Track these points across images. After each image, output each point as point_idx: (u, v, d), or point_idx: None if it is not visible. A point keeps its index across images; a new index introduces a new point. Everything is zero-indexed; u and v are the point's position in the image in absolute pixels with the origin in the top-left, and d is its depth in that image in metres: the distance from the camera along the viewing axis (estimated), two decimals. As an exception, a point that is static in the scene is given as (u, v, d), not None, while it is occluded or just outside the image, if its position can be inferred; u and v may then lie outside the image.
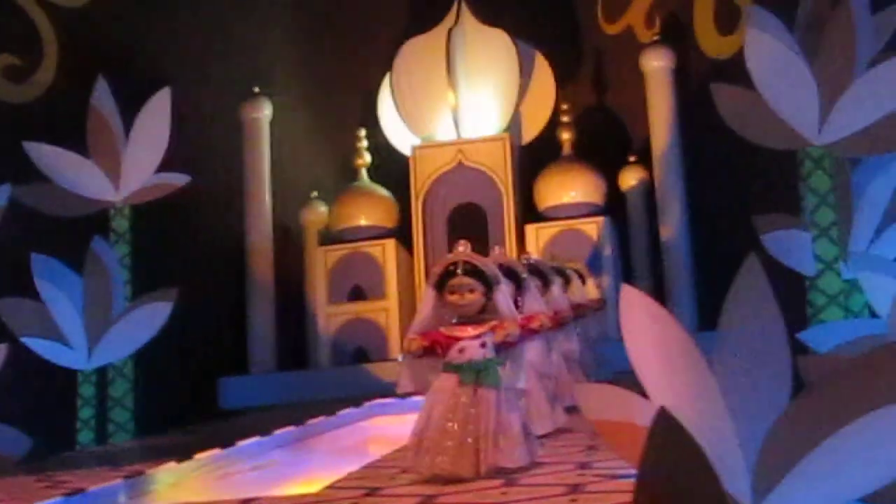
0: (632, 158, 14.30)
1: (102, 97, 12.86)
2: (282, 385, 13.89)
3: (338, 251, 14.42)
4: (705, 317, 13.02)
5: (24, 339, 12.13)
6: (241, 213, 14.61)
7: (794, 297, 10.81)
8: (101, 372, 12.50)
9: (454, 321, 7.17)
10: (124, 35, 14.41)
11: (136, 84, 13.36)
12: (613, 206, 14.14)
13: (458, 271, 7.17)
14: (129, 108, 12.88)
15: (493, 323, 7.17)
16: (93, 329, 12.31)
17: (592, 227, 13.62)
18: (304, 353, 14.50)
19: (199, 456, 9.92)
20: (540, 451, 7.28)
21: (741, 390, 6.06)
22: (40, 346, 12.06)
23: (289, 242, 15.05)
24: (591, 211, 13.89)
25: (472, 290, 7.15)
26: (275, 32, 15.17)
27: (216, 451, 10.19)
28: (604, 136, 14.84)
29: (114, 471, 9.43)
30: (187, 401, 13.57)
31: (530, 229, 14.01)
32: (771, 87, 10.52)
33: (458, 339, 7.15)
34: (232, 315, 14.60)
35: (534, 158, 14.71)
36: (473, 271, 7.19)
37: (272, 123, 14.92)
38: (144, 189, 12.79)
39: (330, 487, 7.52)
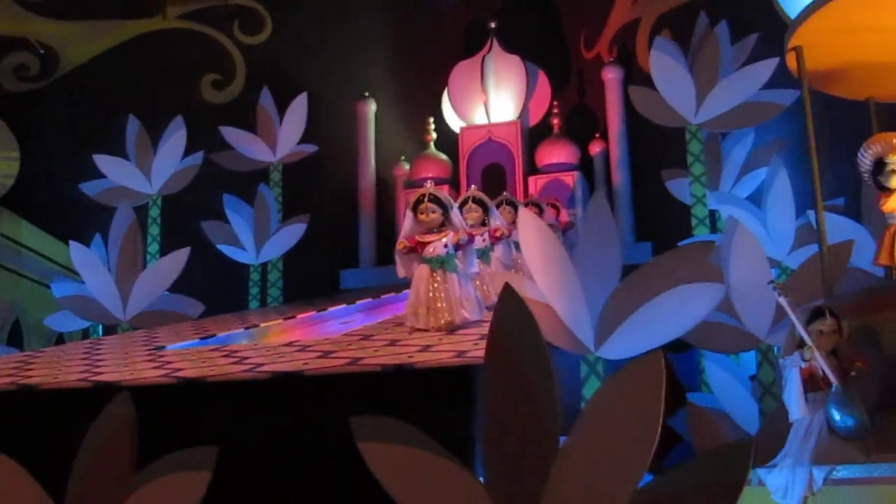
0: (597, 134, 14.60)
1: (266, 100, 13.78)
2: (378, 275, 13.77)
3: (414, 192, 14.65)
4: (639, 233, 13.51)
5: (218, 246, 13.20)
6: (354, 171, 15.10)
7: (682, 220, 11.57)
8: (264, 266, 13.44)
9: (425, 231, 7.99)
10: (284, 60, 15.17)
11: (289, 90, 14.20)
12: (585, 165, 14.51)
13: (426, 200, 7.99)
14: (284, 104, 13.76)
15: (449, 232, 7.95)
16: (259, 238, 13.22)
17: (570, 178, 14.06)
18: (391, 256, 14.51)
19: (301, 315, 10.49)
20: (486, 313, 7.47)
21: (589, 275, 6.97)
22: (227, 250, 13.13)
23: (385, 188, 15.36)
24: (569, 168, 14.35)
25: (433, 211, 7.95)
26: (376, 55, 15.65)
27: (313, 312, 10.70)
28: (580, 121, 15.03)
29: (244, 323, 10.03)
30: (319, 285, 13.83)
31: (531, 180, 14.43)
32: (665, 87, 11.24)
33: (427, 242, 7.97)
34: (348, 231, 14.81)
35: (535, 135, 15.07)
36: (435, 199, 8.00)
37: (376, 114, 15.54)
38: (291, 153, 13.63)
39: (346, 334, 8.16)
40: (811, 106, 8.19)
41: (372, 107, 15.47)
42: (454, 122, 15.38)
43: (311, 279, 13.93)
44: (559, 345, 7.00)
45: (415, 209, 7.97)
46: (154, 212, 13.54)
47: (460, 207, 8.07)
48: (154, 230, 13.46)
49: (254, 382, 6.48)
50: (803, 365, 5.75)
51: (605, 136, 14.36)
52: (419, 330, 7.57)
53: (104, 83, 14.94)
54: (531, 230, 6.88)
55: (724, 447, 4.95)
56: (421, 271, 7.79)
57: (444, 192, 8.11)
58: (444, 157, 15.14)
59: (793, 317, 5.61)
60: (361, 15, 15.83)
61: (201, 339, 9.30)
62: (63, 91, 14.98)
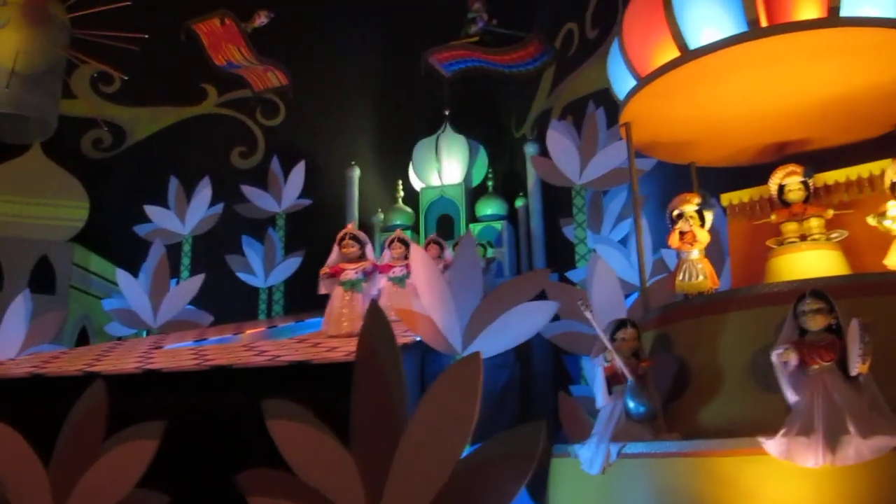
0: (521, 193, 14.24)
1: (275, 165, 13.65)
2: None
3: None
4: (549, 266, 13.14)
5: (237, 273, 12.98)
6: (342, 219, 14.54)
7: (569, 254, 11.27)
8: (270, 288, 13.21)
9: (347, 261, 7.80)
10: (292, 137, 15.08)
11: (295, 158, 14.06)
12: (512, 215, 14.29)
13: (347, 237, 7.84)
14: (290, 169, 13.61)
15: (362, 262, 7.81)
16: (267, 268, 12.99)
17: (499, 225, 13.82)
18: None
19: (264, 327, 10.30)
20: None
21: (459, 294, 6.68)
22: (244, 276, 12.89)
23: (366, 232, 14.25)
24: (499, 217, 14.08)
25: (352, 246, 7.80)
26: (361, 133, 15.73)
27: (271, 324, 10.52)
28: (509, 183, 14.83)
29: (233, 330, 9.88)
30: (312, 303, 13.38)
31: (471, 226, 14.05)
32: (557, 156, 10.97)
33: (343, 269, 7.80)
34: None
35: (476, 193, 14.86)
36: (354, 237, 7.85)
37: (360, 177, 15.33)
38: (292, 205, 13.43)
39: (294, 339, 8.02)
40: (671, 167, 8.35)
41: (356, 172, 15.23)
42: (417, 183, 15.15)
43: (306, 299, 13.34)
44: (436, 347, 6.73)
45: (340, 243, 7.89)
46: (186, 247, 13.32)
47: (340, 241, 7.94)
48: (185, 261, 13.22)
49: (196, 373, 6.39)
50: (606, 364, 5.42)
51: (526, 194, 13.99)
52: (333, 336, 7.47)
53: (160, 153, 14.85)
54: (419, 261, 6.62)
55: (523, 426, 4.65)
56: (336, 291, 7.76)
57: (361, 232, 8.04)
58: (409, 209, 14.94)
59: (596, 327, 5.26)
60: (351, 105, 15.81)
61: (195, 340, 9.08)
62: (129, 159, 14.89)
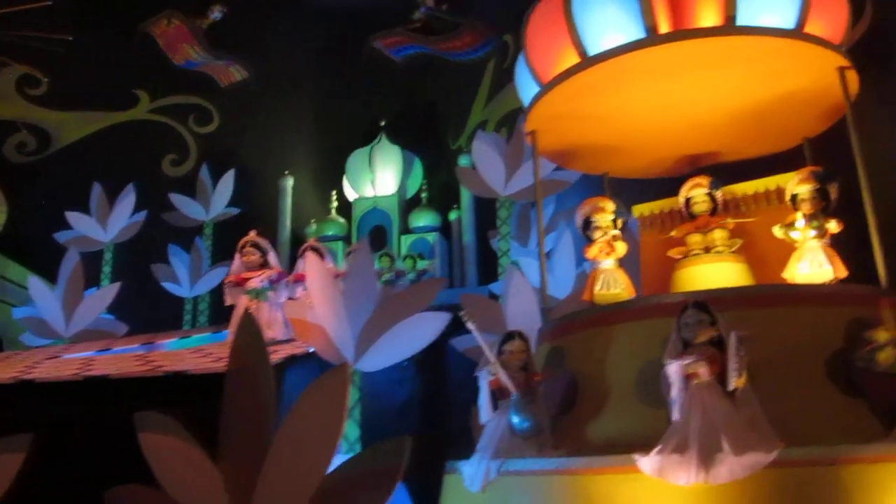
0: (455, 205, 14.03)
1: (204, 173, 13.27)
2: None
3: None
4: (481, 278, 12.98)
5: (162, 283, 12.56)
6: (275, 229, 14.34)
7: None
8: (195, 298, 12.81)
9: (249, 269, 7.51)
10: (226, 145, 14.69)
11: (228, 167, 13.69)
12: (446, 227, 14.05)
13: (248, 245, 7.56)
14: (218, 176, 13.23)
15: (267, 270, 7.52)
16: (192, 277, 12.60)
17: (431, 237, 13.58)
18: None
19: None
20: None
21: (353, 303, 6.42)
22: (170, 286, 12.47)
23: (299, 243, 13.84)
24: (431, 229, 13.87)
25: (253, 254, 7.52)
26: (296, 143, 15.36)
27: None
28: (444, 195, 14.46)
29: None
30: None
31: (403, 238, 13.90)
32: (483, 167, 10.79)
33: (248, 278, 7.52)
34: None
35: (411, 204, 14.56)
36: (255, 244, 7.57)
37: (293, 187, 15.02)
38: (219, 215, 13.08)
39: (191, 349, 7.73)
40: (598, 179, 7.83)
41: (290, 181, 14.92)
42: (351, 194, 14.87)
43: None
44: (328, 359, 6.47)
45: (240, 251, 7.62)
46: (108, 255, 12.87)
47: (241, 248, 7.64)
48: (106, 269, 12.77)
49: (74, 383, 6.04)
50: (491, 377, 5.16)
51: (460, 206, 13.80)
52: None
53: (88, 159, 14.39)
54: (314, 270, 6.34)
55: (389, 441, 4.38)
56: (241, 300, 7.46)
57: (263, 240, 7.75)
58: (342, 220, 14.68)
59: (479, 339, 5.03)
60: (287, 114, 15.49)
61: (98, 350, 8.70)
62: (54, 164, 14.39)
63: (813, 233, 5.87)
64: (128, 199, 12.89)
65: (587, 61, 6.02)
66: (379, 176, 14.37)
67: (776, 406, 4.63)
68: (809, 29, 5.85)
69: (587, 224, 6.45)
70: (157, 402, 5.28)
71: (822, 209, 6.04)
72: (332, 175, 15.11)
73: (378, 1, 14.95)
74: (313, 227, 14.59)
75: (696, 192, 6.74)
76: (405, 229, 14.15)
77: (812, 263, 5.87)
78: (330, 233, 14.24)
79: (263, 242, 7.73)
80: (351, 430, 6.35)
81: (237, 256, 7.69)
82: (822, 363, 4.90)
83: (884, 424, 4.66)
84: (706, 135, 7.12)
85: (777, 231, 6.04)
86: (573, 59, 6.15)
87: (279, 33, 15.54)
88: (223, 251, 13.50)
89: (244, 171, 14.17)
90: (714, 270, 6.37)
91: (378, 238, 14.12)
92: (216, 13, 15.37)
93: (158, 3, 15.01)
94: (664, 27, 5.81)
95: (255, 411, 4.85)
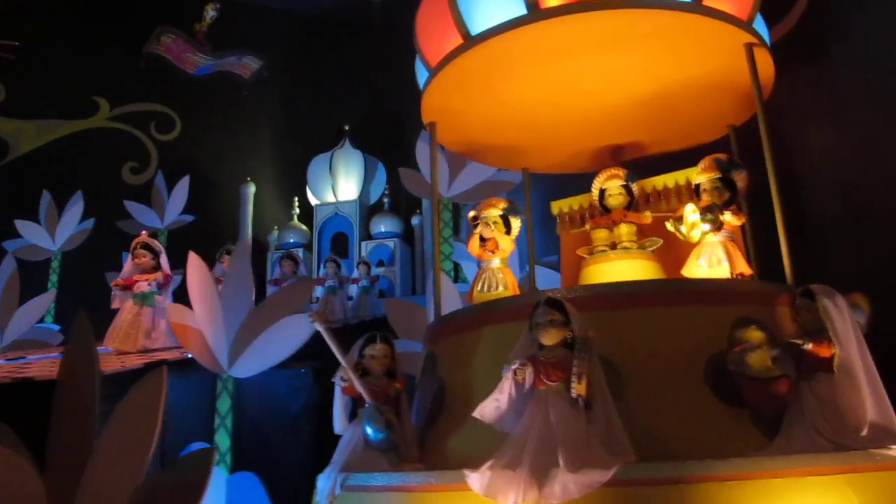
0: (418, 210, 13.60)
1: (159, 181, 12.94)
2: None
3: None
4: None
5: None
6: (235, 236, 14.02)
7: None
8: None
9: (140, 272, 7.09)
10: (185, 151, 14.39)
11: (185, 174, 13.35)
12: (408, 233, 13.67)
13: (139, 246, 7.14)
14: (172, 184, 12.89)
15: (156, 273, 7.08)
16: None
17: (391, 243, 13.24)
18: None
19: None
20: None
21: (230, 306, 5.97)
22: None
23: (261, 250, 14.33)
24: (392, 235, 13.50)
25: (144, 256, 7.08)
26: (258, 149, 15.06)
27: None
28: (408, 200, 14.06)
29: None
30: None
31: (363, 244, 13.48)
32: (425, 168, 10.34)
33: (136, 281, 7.09)
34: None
35: (371, 209, 14.15)
36: (145, 246, 7.14)
37: (255, 194, 14.68)
38: (174, 222, 12.74)
39: None
40: (550, 181, 7.81)
41: (252, 188, 14.55)
42: (313, 199, 14.48)
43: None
44: (206, 365, 6.00)
45: (132, 253, 7.21)
46: (55, 264, 12.51)
47: (133, 251, 7.24)
48: (54, 278, 12.41)
49: None
50: (343, 384, 4.67)
51: (422, 212, 13.36)
52: (122, 353, 6.72)
53: (46, 167, 14.05)
54: (194, 270, 5.91)
55: (195, 453, 3.93)
56: (126, 304, 7.03)
57: (155, 241, 7.34)
58: (304, 227, 14.32)
59: (330, 343, 4.52)
60: (248, 119, 15.15)
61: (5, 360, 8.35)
62: (10, 173, 14.02)
63: (706, 226, 5.29)
64: (76, 207, 12.56)
65: (469, 41, 5.51)
66: (341, 182, 13.91)
67: (650, 416, 4.17)
68: (710, 2, 5.31)
69: (471, 218, 5.98)
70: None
71: (729, 200, 5.49)
72: (296, 181, 14.71)
73: (340, 5, 14.58)
74: (275, 233, 14.25)
75: (611, 183, 6.23)
76: (366, 235, 13.60)
77: (710, 259, 5.32)
78: (291, 240, 13.85)
79: (155, 244, 7.32)
80: (222, 440, 5.87)
81: (129, 259, 7.26)
82: (704, 368, 4.33)
83: (766, 435, 4.12)
84: (623, 125, 6.62)
85: (669, 226, 5.50)
86: (458, 41, 5.65)
87: (243, 39, 15.20)
88: (179, 260, 13.10)
89: (206, 178, 13.81)
90: (620, 268, 5.85)
91: (340, 245, 13.73)
92: (211, 12, 15.18)
93: (125, 7, 14.68)
94: (551, 1, 5.30)
95: (80, 419, 4.48)
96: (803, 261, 6.46)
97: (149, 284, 7.08)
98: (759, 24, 5.86)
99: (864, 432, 3.81)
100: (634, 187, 6.26)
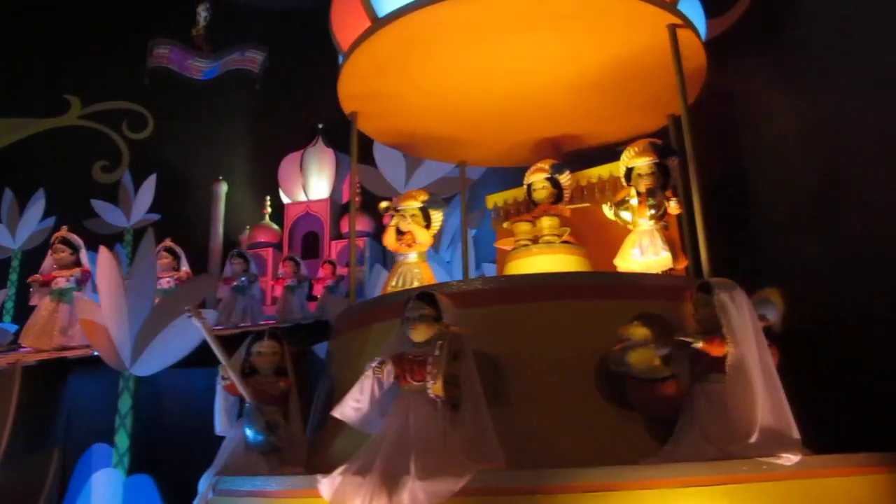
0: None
1: (126, 179, 12.71)
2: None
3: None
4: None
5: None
6: (207, 235, 13.83)
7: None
8: None
9: (60, 268, 6.86)
10: (156, 150, 14.16)
11: (159, 173, 13.13)
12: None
13: (57, 241, 6.90)
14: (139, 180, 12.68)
15: (75, 269, 6.85)
16: None
17: (362, 242, 12.87)
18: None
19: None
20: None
21: (135, 302, 5.69)
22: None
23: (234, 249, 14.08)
24: (362, 234, 13.06)
25: (63, 251, 6.85)
26: (231, 148, 14.82)
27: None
28: (369, 196, 13.67)
29: None
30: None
31: (334, 244, 13.24)
32: (383, 166, 10.11)
33: (55, 277, 6.84)
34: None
35: (343, 208, 13.84)
36: (65, 241, 6.89)
37: (228, 193, 14.46)
38: (140, 221, 12.52)
39: None
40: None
41: (223, 187, 14.32)
42: (285, 198, 14.19)
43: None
44: (109, 363, 5.72)
45: (51, 248, 6.98)
46: (15, 262, 12.29)
47: (52, 246, 7.00)
48: (13, 277, 12.17)
49: None
50: (224, 382, 4.37)
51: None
52: (39, 350, 6.46)
53: (15, 166, 13.76)
54: (103, 264, 5.65)
55: (35, 455, 3.67)
56: (44, 300, 6.77)
57: (74, 236, 7.09)
58: (275, 226, 13.98)
59: (209, 339, 4.23)
60: (222, 118, 14.88)
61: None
62: (-20, 171, 13.79)
63: (651, 212, 4.98)
64: (37, 205, 12.30)
65: (377, 23, 5.22)
66: (312, 180, 13.64)
67: (534, 419, 3.89)
68: (628, -20, 4.99)
69: (383, 209, 5.82)
70: None
71: (665, 186, 5.19)
72: (268, 180, 14.43)
73: (314, 3, 14.30)
74: (247, 232, 14.01)
75: (535, 177, 5.95)
76: (338, 234, 13.29)
77: (648, 249, 5.03)
78: (262, 239, 13.54)
79: (74, 239, 7.08)
80: (121, 440, 5.58)
81: (49, 254, 7.02)
82: (597, 367, 4.01)
83: (660, 441, 3.81)
84: (557, 114, 6.34)
85: (607, 211, 5.21)
86: (367, 24, 5.36)
87: (217, 36, 14.99)
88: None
89: (178, 177, 13.55)
90: (541, 263, 5.52)
91: (311, 244, 13.46)
92: (203, 13, 15.03)
93: (104, 6, 14.47)
94: (454, -19, 4.99)
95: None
96: (749, 253, 6.23)
97: (67, 280, 6.82)
98: (692, 7, 5.55)
99: (754, 439, 3.47)
100: (564, 180, 5.94)
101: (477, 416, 3.58)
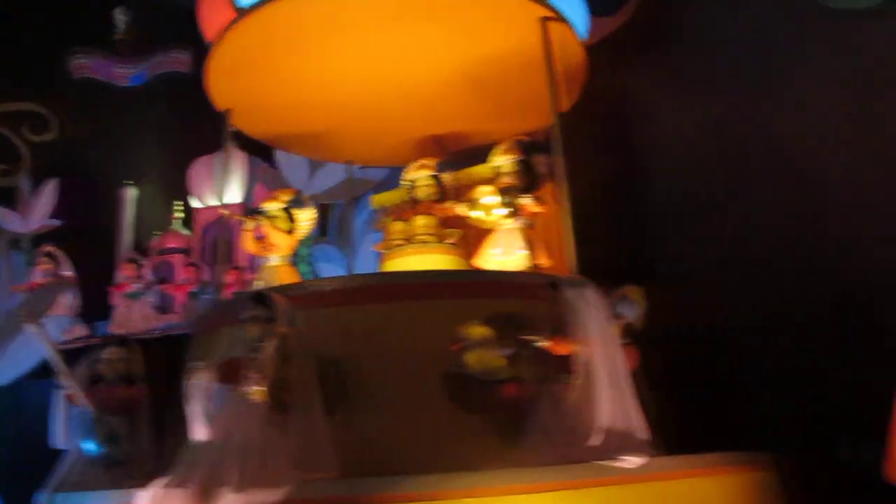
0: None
1: (23, 183, 12.21)
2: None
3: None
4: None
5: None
6: (114, 242, 13.19)
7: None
8: None
9: None
10: (62, 154, 13.64)
11: (62, 177, 12.64)
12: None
13: None
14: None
15: None
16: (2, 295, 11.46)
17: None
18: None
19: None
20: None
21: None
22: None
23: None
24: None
25: None
26: (140, 150, 14.18)
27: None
28: None
29: None
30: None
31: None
32: (285, 164, 9.96)
33: None
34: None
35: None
36: None
37: (138, 198, 13.94)
38: (39, 226, 12.04)
39: None
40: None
41: (133, 192, 13.68)
42: (195, 203, 13.67)
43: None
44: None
45: None
46: None
47: None
48: None
49: None
50: (67, 391, 4.10)
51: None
52: None
53: None
54: None
55: None
56: None
57: None
58: (185, 231, 13.38)
59: (45, 346, 3.93)
60: (131, 120, 14.29)
61: None
62: None
63: (503, 211, 4.85)
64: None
65: (240, 14, 5.01)
66: (224, 184, 13.22)
67: (376, 424, 3.71)
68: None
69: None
70: None
71: (529, 185, 5.06)
72: (180, 184, 13.91)
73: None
74: (156, 238, 13.54)
75: (419, 173, 5.74)
76: (250, 239, 12.91)
77: (508, 248, 4.88)
78: (172, 244, 13.05)
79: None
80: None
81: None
82: (446, 369, 3.83)
83: (504, 444, 3.65)
84: (437, 110, 6.19)
85: (460, 209, 5.05)
86: (232, 15, 5.15)
87: (143, 40, 14.48)
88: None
89: (85, 181, 12.99)
90: (416, 263, 5.34)
91: (224, 249, 13.07)
92: (121, 16, 14.50)
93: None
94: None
95: None
96: (633, 252, 6.17)
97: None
98: (569, 3, 5.46)
99: (597, 440, 3.34)
100: (445, 178, 5.77)
101: (309, 422, 3.38)
